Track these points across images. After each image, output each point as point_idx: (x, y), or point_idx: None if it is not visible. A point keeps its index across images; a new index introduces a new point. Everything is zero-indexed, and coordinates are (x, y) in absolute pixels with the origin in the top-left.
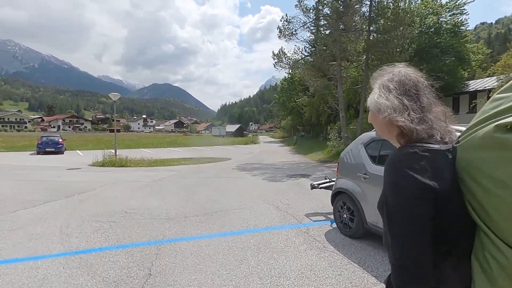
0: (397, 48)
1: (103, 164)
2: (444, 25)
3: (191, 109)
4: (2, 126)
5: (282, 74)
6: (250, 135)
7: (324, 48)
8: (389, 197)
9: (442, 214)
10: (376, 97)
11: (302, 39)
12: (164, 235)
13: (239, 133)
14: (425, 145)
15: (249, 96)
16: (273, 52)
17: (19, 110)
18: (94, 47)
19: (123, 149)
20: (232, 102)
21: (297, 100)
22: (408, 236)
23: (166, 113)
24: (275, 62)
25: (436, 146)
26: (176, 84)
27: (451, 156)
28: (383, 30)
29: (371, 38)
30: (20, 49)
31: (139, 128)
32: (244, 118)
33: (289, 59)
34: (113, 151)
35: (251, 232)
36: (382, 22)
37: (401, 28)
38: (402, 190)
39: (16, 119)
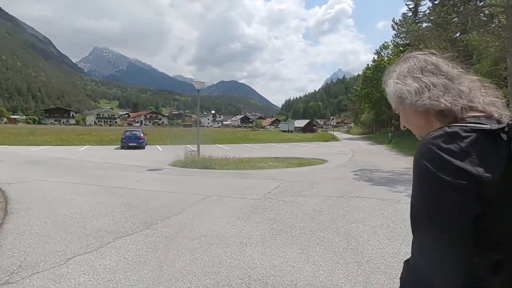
0: None
1: (185, 164)
2: None
3: (255, 104)
4: (98, 121)
5: (351, 66)
6: (319, 131)
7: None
8: (416, 189)
9: (493, 211)
10: (392, 87)
11: None
12: None
13: (309, 128)
14: (469, 124)
15: (314, 90)
16: (393, 21)
17: (111, 108)
18: (170, 49)
19: (200, 145)
20: (296, 97)
21: None
22: (441, 241)
23: (232, 108)
24: (395, 34)
25: (485, 126)
26: (241, 81)
27: (506, 138)
28: None
29: None
30: (112, 55)
31: (208, 123)
32: (309, 113)
33: (416, 29)
34: (192, 147)
35: None
36: None
37: None
38: (432, 178)
39: (108, 115)
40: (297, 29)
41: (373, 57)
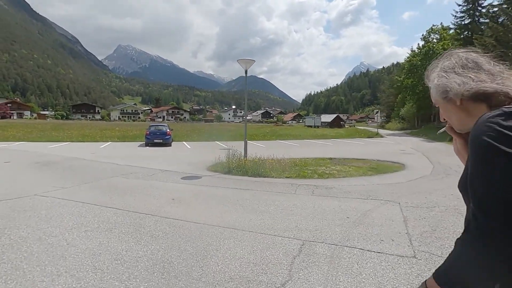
0: None
1: (229, 169)
2: None
3: (275, 99)
4: (122, 116)
5: (373, 59)
6: (347, 126)
7: None
8: (480, 164)
9: None
10: (436, 81)
11: None
12: None
13: (336, 123)
14: None
15: (336, 84)
16: None
17: (135, 103)
18: (191, 45)
19: (229, 142)
20: (317, 92)
21: None
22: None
23: (252, 104)
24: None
25: None
26: (261, 76)
27: None
28: None
29: None
30: (135, 52)
31: (229, 118)
32: (330, 107)
33: None
34: (222, 144)
35: None
36: None
37: None
38: (496, 152)
39: (132, 110)
40: (318, 22)
41: (418, 44)
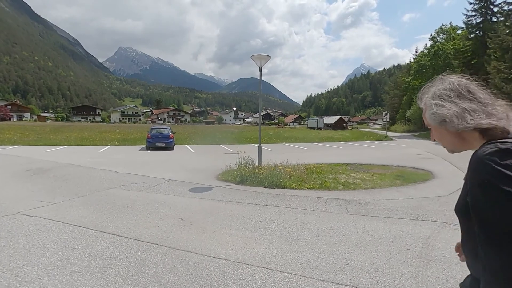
0: None
1: (241, 178)
2: None
3: (275, 101)
4: (123, 118)
5: (374, 61)
6: (350, 128)
7: None
8: (482, 200)
9: None
10: (434, 109)
11: None
12: None
13: (339, 125)
14: None
15: (337, 86)
16: None
17: (136, 105)
18: (192, 47)
19: (234, 145)
20: (318, 93)
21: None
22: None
23: (253, 106)
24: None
25: None
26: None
27: None
28: None
29: None
30: (136, 54)
31: (230, 120)
32: (331, 109)
33: None
34: (226, 147)
35: None
36: None
37: None
38: (496, 191)
39: (132, 112)
40: (318, 23)
41: (425, 44)
